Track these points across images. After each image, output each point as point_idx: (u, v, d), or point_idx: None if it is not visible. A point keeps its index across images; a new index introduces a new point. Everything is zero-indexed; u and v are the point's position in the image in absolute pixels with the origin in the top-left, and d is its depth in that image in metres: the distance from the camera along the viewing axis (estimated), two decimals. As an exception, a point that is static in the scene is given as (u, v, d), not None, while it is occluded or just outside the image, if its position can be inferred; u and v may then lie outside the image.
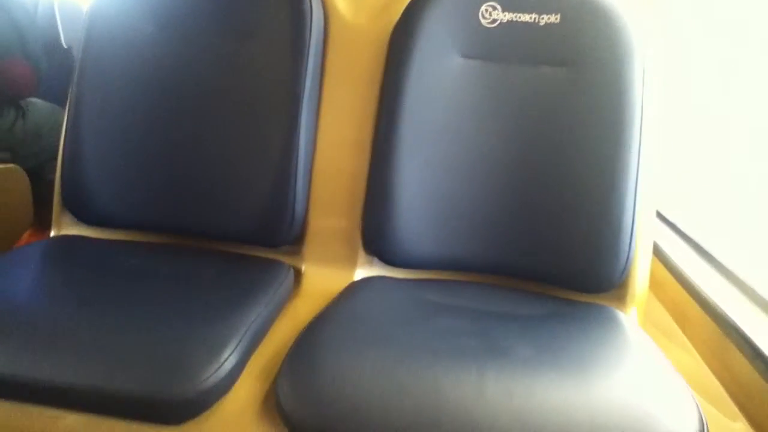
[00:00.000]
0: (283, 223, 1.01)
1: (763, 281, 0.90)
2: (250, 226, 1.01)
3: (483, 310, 0.90)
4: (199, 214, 1.03)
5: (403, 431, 0.62)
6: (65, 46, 2.05)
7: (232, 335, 0.73)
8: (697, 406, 0.66)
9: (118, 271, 0.91)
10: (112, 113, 1.03)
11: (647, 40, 0.96)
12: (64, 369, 0.67)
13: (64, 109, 1.07)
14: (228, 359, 0.70)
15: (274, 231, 1.02)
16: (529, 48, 0.98)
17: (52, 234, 1.09)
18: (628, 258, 0.93)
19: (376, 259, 1.04)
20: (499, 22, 0.98)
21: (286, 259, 1.04)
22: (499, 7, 0.99)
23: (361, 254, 1.05)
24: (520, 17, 0.98)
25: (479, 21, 0.99)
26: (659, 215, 1.26)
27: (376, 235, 1.00)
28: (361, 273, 1.04)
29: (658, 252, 1.11)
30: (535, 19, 0.97)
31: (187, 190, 1.03)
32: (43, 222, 1.18)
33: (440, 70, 0.99)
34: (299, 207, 1.02)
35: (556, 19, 0.97)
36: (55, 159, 1.08)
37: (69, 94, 1.05)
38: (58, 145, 1.08)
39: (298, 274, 1.05)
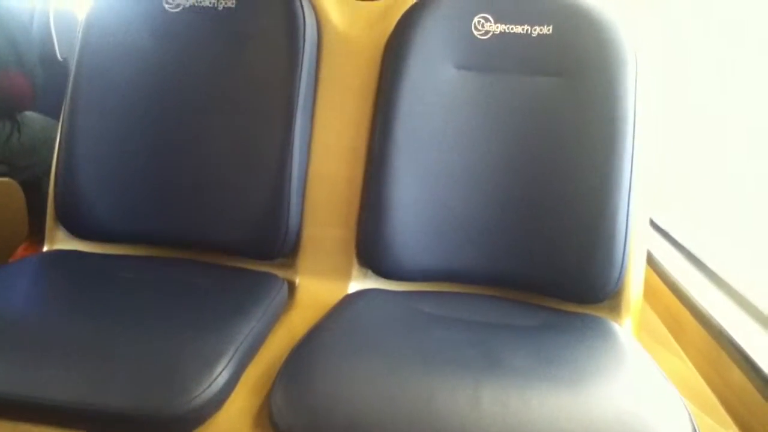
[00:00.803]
0: (278, 236, 1.01)
1: (757, 288, 0.90)
2: (244, 239, 1.01)
3: (478, 321, 0.90)
4: (192, 227, 1.03)
5: None
6: (61, 59, 2.05)
7: (225, 349, 0.73)
8: (690, 415, 0.67)
9: (110, 285, 0.91)
10: (105, 126, 1.03)
11: (643, 40, 0.96)
12: (53, 386, 0.66)
13: (59, 121, 1.07)
14: (221, 374, 0.69)
15: (268, 244, 1.01)
16: (523, 59, 0.98)
17: (45, 248, 1.09)
18: (622, 268, 0.93)
19: (370, 272, 1.04)
20: (491, 33, 0.99)
21: (281, 272, 1.04)
22: (491, 19, 0.99)
23: (356, 267, 1.05)
24: (512, 29, 0.98)
25: (472, 33, 0.99)
26: (652, 223, 1.26)
27: (370, 248, 1.00)
28: (355, 285, 1.04)
29: (651, 261, 1.12)
30: (527, 30, 0.98)
31: (181, 204, 1.03)
32: (40, 235, 1.17)
33: (434, 81, 0.99)
34: (293, 220, 1.02)
35: (549, 30, 0.97)
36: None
37: (63, 107, 1.05)
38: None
39: (292, 287, 1.04)
